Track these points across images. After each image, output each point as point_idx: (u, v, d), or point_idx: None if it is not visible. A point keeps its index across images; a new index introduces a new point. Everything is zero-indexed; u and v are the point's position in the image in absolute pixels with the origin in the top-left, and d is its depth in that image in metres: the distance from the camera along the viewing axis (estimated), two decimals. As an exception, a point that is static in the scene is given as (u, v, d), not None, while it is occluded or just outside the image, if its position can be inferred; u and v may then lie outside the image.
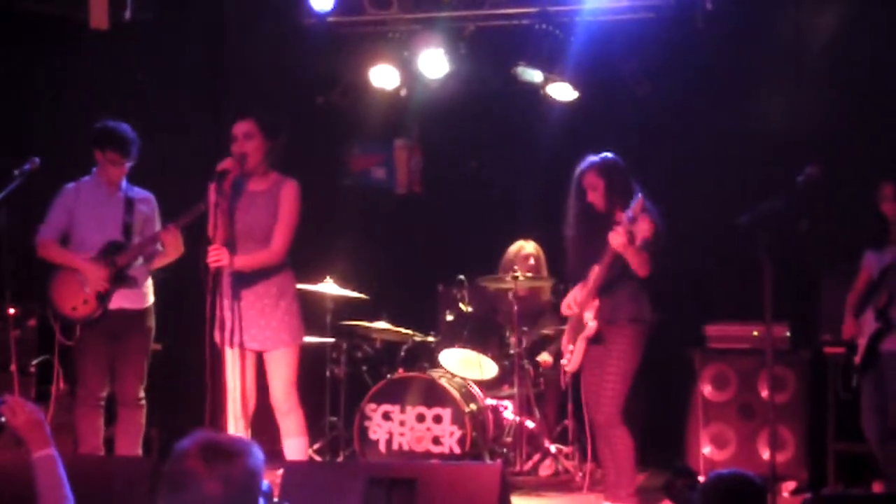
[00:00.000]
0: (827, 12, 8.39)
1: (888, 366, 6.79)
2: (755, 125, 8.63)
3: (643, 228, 6.94)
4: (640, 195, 6.89)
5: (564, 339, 7.47)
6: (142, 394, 7.29)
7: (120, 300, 7.19)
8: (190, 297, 7.78)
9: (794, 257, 7.78)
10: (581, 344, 7.24)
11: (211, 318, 6.60)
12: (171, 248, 7.27)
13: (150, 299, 7.39)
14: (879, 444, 6.92)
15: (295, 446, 6.87)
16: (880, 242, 7.03)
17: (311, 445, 8.57)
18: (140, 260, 7.29)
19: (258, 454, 3.26)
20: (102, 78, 8.95)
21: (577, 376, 7.43)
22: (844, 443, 7.98)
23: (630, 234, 6.84)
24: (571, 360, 7.31)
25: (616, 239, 6.79)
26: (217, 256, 6.52)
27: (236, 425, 6.72)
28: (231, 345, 6.68)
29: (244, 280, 6.71)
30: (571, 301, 7.34)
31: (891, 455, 6.87)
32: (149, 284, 7.39)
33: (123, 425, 7.27)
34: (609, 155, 7.22)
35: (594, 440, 7.34)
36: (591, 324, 7.14)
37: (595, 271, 7.08)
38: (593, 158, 7.21)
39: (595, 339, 7.17)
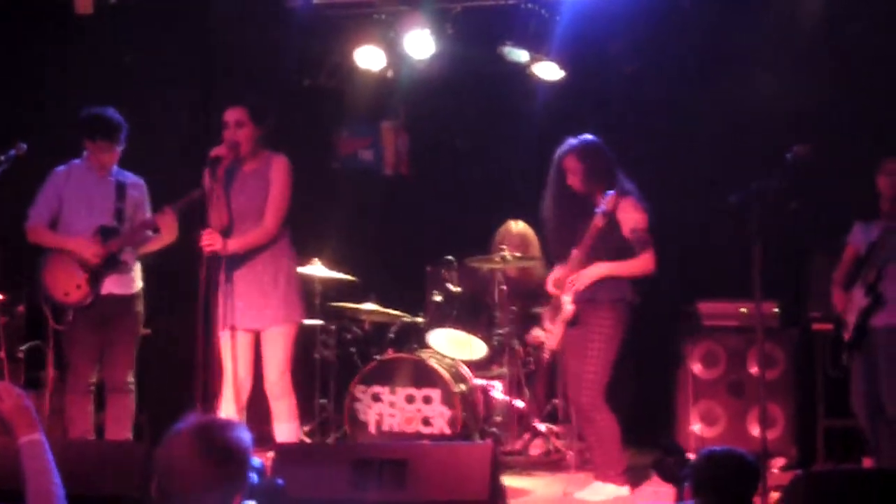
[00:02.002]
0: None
1: (878, 341, 6.80)
2: (744, 103, 8.62)
3: (631, 218, 6.98)
4: (611, 192, 6.91)
5: (545, 318, 7.50)
6: (131, 379, 7.29)
7: (109, 285, 7.19)
8: (180, 282, 7.82)
9: (784, 235, 7.78)
10: (560, 326, 7.26)
11: (205, 303, 6.61)
12: (167, 232, 7.26)
13: (139, 284, 7.39)
14: (869, 419, 6.94)
15: (286, 431, 6.90)
16: (869, 216, 7.03)
17: (301, 428, 8.59)
18: (131, 245, 7.28)
19: (247, 434, 3.29)
20: (88, 63, 8.91)
21: (560, 356, 7.46)
22: (834, 419, 8.01)
23: (609, 228, 6.89)
24: (551, 339, 7.35)
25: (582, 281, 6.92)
26: (210, 241, 6.55)
27: (231, 409, 6.73)
28: (227, 327, 6.69)
29: (242, 260, 6.74)
30: (553, 281, 7.36)
31: (880, 431, 6.88)
32: (138, 269, 7.38)
33: (113, 411, 7.27)
34: (589, 137, 7.23)
35: (578, 421, 7.36)
36: (567, 307, 7.16)
37: (574, 254, 7.10)
38: (573, 141, 7.23)
39: (574, 322, 7.19)
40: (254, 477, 3.33)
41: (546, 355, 7.69)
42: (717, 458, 4.19)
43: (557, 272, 7.32)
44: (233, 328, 6.74)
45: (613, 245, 7.06)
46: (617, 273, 7.05)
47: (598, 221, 6.91)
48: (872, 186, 7.05)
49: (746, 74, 8.69)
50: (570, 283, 7.12)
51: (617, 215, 6.99)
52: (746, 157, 8.34)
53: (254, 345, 6.89)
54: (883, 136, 7.90)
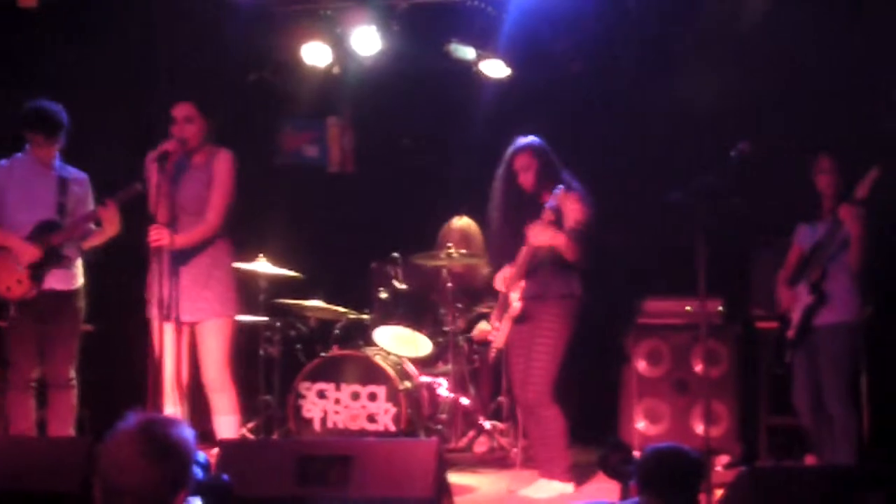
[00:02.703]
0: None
1: (821, 339, 6.85)
2: (687, 102, 8.65)
3: (574, 212, 7.00)
4: (560, 187, 6.95)
5: (492, 315, 7.51)
6: (73, 374, 7.23)
7: (50, 281, 7.12)
8: (122, 277, 7.76)
9: (726, 232, 7.82)
10: (507, 324, 7.28)
11: (155, 297, 6.61)
12: (109, 225, 7.20)
13: (80, 280, 7.32)
14: (811, 417, 6.98)
15: (227, 424, 6.88)
16: (812, 216, 7.08)
17: (245, 424, 8.56)
18: (73, 240, 7.22)
19: (190, 432, 3.28)
20: (31, 57, 8.82)
21: (506, 354, 7.48)
22: (777, 416, 8.07)
23: (556, 222, 6.90)
24: (498, 336, 7.36)
25: (536, 237, 6.87)
26: (158, 236, 6.53)
27: (172, 402, 6.70)
28: (168, 320, 6.67)
29: (180, 253, 6.71)
30: (501, 279, 7.37)
31: (822, 428, 6.93)
32: (79, 265, 7.32)
33: (55, 407, 7.20)
34: (537, 138, 7.26)
35: (522, 418, 7.37)
36: (515, 304, 7.18)
37: (522, 252, 7.11)
38: (524, 140, 7.25)
39: (521, 319, 7.20)
40: (199, 473, 3.31)
41: (492, 353, 7.70)
42: (663, 456, 4.21)
43: (506, 270, 7.32)
44: (167, 320, 6.69)
45: None
46: (563, 245, 7.00)
47: (548, 216, 6.92)
48: (813, 184, 7.10)
49: (690, 73, 8.72)
50: (518, 278, 7.13)
51: (563, 210, 7.01)
52: (690, 154, 8.36)
53: (191, 338, 6.86)
54: (825, 134, 7.97)
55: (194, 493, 3.30)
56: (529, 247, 7.06)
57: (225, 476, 3.63)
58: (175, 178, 6.78)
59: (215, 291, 6.83)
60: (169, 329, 6.71)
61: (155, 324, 6.71)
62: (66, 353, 7.22)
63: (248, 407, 8.70)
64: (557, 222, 7.00)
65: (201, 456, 3.37)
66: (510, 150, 7.28)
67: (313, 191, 10.35)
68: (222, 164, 6.86)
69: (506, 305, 7.28)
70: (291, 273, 8.82)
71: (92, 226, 7.26)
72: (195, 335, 6.85)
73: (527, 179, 7.20)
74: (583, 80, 8.99)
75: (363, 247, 9.57)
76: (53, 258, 7.10)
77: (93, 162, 7.53)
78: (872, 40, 8.04)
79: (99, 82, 8.94)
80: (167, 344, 6.72)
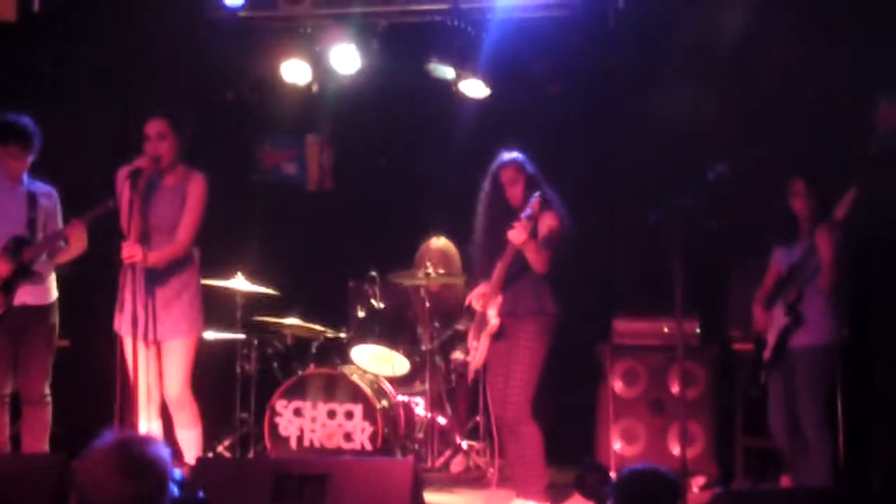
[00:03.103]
0: (735, 12, 8.46)
1: (797, 360, 6.87)
2: (665, 124, 8.68)
3: (547, 222, 7.01)
4: (537, 193, 6.95)
5: (470, 335, 7.50)
6: (47, 390, 7.21)
7: (23, 296, 7.10)
8: (96, 293, 7.73)
9: (703, 254, 7.85)
10: (485, 341, 7.28)
11: (125, 314, 6.60)
12: (75, 243, 7.19)
13: (54, 295, 7.31)
14: (787, 439, 6.99)
15: (190, 438, 6.92)
16: (789, 238, 7.10)
17: (221, 442, 8.55)
18: (45, 255, 7.19)
19: (166, 450, 3.28)
20: (9, 70, 8.80)
21: (484, 372, 7.47)
22: (753, 438, 8.07)
23: (532, 229, 6.90)
24: (476, 356, 7.36)
25: (516, 236, 6.85)
26: (131, 253, 6.52)
27: (146, 418, 6.70)
28: (140, 338, 6.66)
29: (150, 273, 6.71)
30: (476, 296, 7.37)
31: (797, 450, 6.95)
32: (52, 280, 7.30)
33: (29, 423, 7.18)
34: (521, 154, 7.28)
35: (500, 437, 7.36)
36: (493, 321, 7.18)
37: (497, 268, 7.12)
38: (511, 155, 7.26)
39: (498, 335, 7.21)
40: (174, 489, 3.31)
41: (471, 375, 7.70)
42: (640, 476, 4.20)
43: (481, 288, 7.33)
44: (135, 338, 6.69)
45: None
46: (533, 250, 6.99)
47: (525, 223, 6.91)
48: (789, 207, 7.11)
49: (668, 95, 8.75)
50: (494, 295, 7.13)
51: (538, 221, 7.02)
52: (667, 175, 8.39)
53: (158, 356, 6.86)
54: (803, 156, 8.00)
55: (170, 509, 3.29)
56: (505, 260, 7.05)
57: (200, 493, 3.62)
58: (148, 196, 6.79)
59: (182, 312, 6.86)
60: (142, 346, 6.71)
61: (127, 340, 6.70)
62: (41, 369, 7.20)
63: (224, 424, 8.70)
64: (534, 233, 7.00)
65: (177, 473, 3.36)
66: (496, 164, 7.29)
67: (291, 208, 10.33)
68: (195, 187, 6.88)
69: (483, 323, 7.28)
70: (269, 290, 8.80)
71: (61, 243, 7.24)
72: (160, 353, 6.86)
73: (514, 193, 7.21)
74: (562, 100, 9.01)
75: (341, 265, 9.57)
76: (24, 274, 7.07)
77: (67, 175, 7.51)
78: (850, 60, 8.09)
79: (75, 97, 8.92)
80: (140, 361, 6.72)
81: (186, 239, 6.84)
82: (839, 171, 7.24)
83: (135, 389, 6.71)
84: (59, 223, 7.29)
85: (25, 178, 7.25)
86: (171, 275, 6.83)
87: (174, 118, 6.84)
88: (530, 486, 7.15)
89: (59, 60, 8.99)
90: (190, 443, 6.88)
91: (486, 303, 7.23)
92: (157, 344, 6.83)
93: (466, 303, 7.53)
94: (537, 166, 7.29)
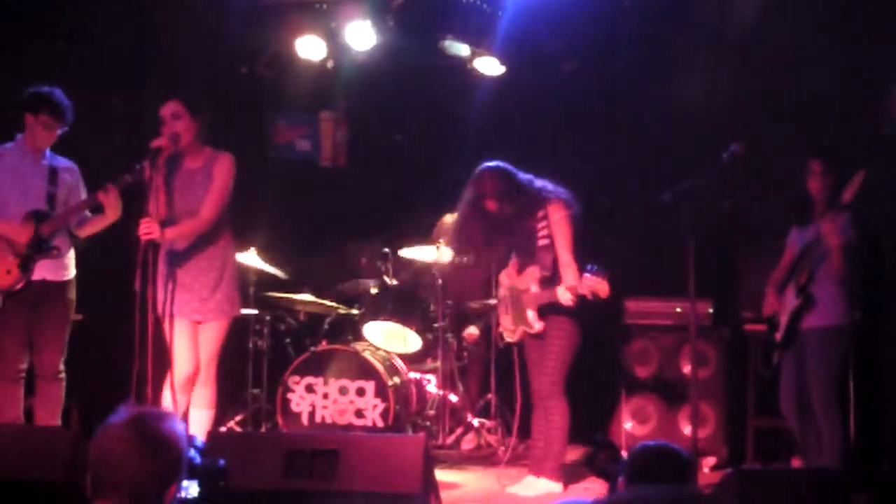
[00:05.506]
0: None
1: (808, 342, 6.86)
2: (679, 103, 8.66)
3: (562, 228, 7.04)
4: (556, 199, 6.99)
5: (500, 311, 7.50)
6: (61, 367, 7.21)
7: (42, 271, 7.09)
8: (113, 269, 7.73)
9: (716, 234, 7.83)
10: (520, 334, 7.28)
11: (142, 291, 6.57)
12: (111, 210, 7.14)
13: (72, 271, 7.29)
14: (797, 419, 6.99)
15: (203, 418, 6.90)
16: (804, 219, 7.07)
17: (233, 417, 8.57)
18: (64, 231, 7.19)
19: (181, 425, 3.29)
20: (24, 47, 8.79)
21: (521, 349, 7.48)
22: (764, 419, 8.07)
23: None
24: (508, 334, 7.38)
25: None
26: (148, 229, 6.50)
27: (178, 396, 6.70)
28: (168, 316, 6.68)
29: (188, 252, 6.79)
30: (505, 278, 7.40)
31: (808, 431, 6.94)
32: (71, 256, 7.29)
33: (42, 398, 7.18)
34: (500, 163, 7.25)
35: (532, 410, 7.36)
36: (536, 325, 7.16)
37: (533, 273, 7.13)
38: (488, 164, 7.24)
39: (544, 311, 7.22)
40: (196, 457, 3.31)
41: (500, 344, 7.70)
42: (653, 451, 4.20)
43: (505, 278, 7.38)
44: (171, 317, 6.71)
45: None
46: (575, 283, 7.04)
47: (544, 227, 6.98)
48: (805, 188, 7.09)
49: (684, 74, 8.72)
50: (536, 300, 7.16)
51: (552, 227, 7.07)
52: (682, 155, 8.37)
53: (194, 333, 6.87)
54: (816, 136, 7.97)
55: (190, 477, 3.30)
56: (541, 268, 7.10)
57: (221, 461, 3.63)
58: (172, 177, 6.81)
59: (225, 293, 6.89)
60: (180, 325, 6.74)
61: (166, 320, 6.71)
62: (56, 344, 7.20)
63: (237, 400, 8.72)
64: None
65: (199, 440, 3.37)
66: (476, 172, 7.29)
67: (305, 185, 10.33)
68: (223, 165, 6.86)
69: (512, 301, 7.28)
70: (280, 271, 8.81)
71: (88, 213, 7.23)
72: (196, 330, 6.87)
73: (494, 205, 7.21)
74: (577, 78, 8.98)
75: (354, 241, 9.57)
76: (43, 249, 7.07)
77: (83, 156, 7.50)
78: (866, 43, 8.05)
79: (89, 74, 8.89)
80: (179, 340, 6.74)
81: (210, 216, 6.81)
82: (853, 155, 7.21)
83: (166, 367, 6.71)
84: (82, 196, 7.27)
85: (48, 152, 7.25)
86: (214, 255, 6.85)
87: (186, 98, 6.83)
88: (546, 464, 7.17)
89: (73, 37, 8.97)
90: (202, 423, 6.89)
91: (528, 304, 7.20)
92: (198, 323, 6.86)
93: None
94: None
